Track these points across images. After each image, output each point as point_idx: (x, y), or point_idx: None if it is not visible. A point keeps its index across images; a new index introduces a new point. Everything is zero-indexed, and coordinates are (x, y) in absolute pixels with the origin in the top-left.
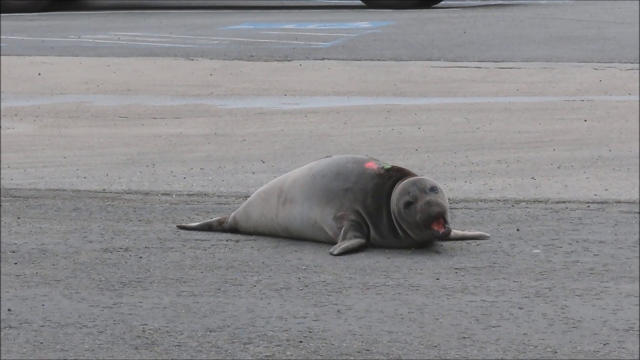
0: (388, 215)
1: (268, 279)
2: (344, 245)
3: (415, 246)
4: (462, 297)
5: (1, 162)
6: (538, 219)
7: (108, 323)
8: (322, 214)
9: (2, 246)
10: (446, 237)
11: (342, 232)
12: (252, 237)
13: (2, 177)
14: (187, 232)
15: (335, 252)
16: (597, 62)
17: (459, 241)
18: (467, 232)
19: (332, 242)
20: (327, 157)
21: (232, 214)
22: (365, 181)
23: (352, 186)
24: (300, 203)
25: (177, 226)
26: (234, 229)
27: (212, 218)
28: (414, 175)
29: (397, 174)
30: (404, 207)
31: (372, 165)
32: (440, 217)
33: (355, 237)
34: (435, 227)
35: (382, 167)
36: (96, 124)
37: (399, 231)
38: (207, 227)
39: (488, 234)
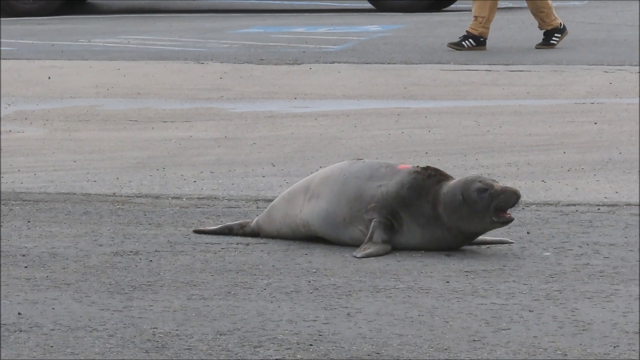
0: (430, 206)
1: (278, 282)
2: (369, 251)
3: (457, 241)
4: (472, 299)
5: (10, 166)
6: (548, 222)
7: (118, 326)
8: (350, 210)
9: (12, 250)
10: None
11: (370, 228)
12: (262, 241)
13: (12, 181)
14: (197, 235)
15: (358, 256)
16: (608, 65)
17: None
18: (491, 238)
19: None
20: (358, 159)
21: (256, 219)
22: (402, 177)
23: (386, 182)
24: (328, 200)
25: (193, 231)
26: (256, 234)
27: (222, 222)
28: (452, 177)
29: (436, 173)
30: (478, 193)
31: (405, 166)
32: (517, 202)
33: (383, 241)
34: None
35: (418, 166)
36: (106, 127)
37: (447, 221)
38: (227, 231)
39: (512, 240)
